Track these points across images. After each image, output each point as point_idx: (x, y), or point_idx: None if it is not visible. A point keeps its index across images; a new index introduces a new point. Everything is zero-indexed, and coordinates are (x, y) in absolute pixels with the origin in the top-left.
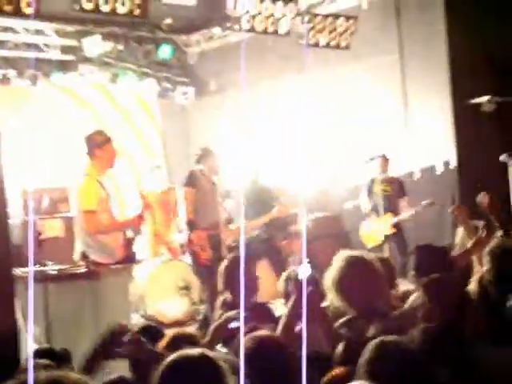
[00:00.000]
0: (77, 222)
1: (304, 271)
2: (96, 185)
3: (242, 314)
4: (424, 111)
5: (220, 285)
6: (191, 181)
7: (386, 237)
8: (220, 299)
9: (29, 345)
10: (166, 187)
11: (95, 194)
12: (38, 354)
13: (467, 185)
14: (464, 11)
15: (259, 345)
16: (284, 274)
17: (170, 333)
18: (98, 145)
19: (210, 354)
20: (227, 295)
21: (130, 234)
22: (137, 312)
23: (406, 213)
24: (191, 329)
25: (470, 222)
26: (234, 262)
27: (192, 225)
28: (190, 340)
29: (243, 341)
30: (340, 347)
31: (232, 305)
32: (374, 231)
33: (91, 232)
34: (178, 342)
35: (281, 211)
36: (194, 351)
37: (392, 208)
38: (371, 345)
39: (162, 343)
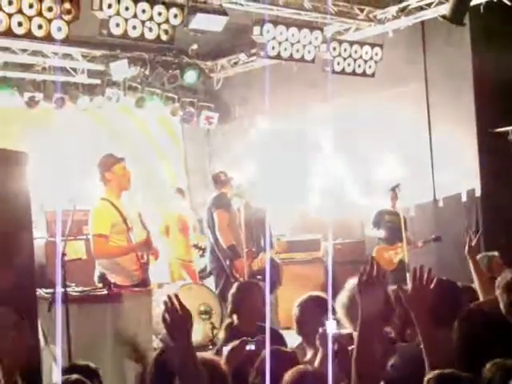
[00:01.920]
0: (91, 245)
1: (331, 327)
2: (110, 208)
3: (268, 337)
4: (449, 139)
5: (228, 309)
6: (225, 203)
7: (400, 263)
8: (226, 322)
9: (57, 364)
10: (186, 211)
11: (107, 218)
12: (74, 370)
13: (490, 214)
14: (490, 41)
15: (301, 378)
16: (297, 301)
17: None
18: (108, 168)
19: None
20: (234, 319)
21: (145, 257)
22: (157, 336)
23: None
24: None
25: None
26: (242, 288)
27: (235, 251)
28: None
29: (268, 361)
30: None
31: (237, 328)
32: (387, 258)
33: (97, 256)
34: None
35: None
36: None
37: (399, 238)
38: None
39: None
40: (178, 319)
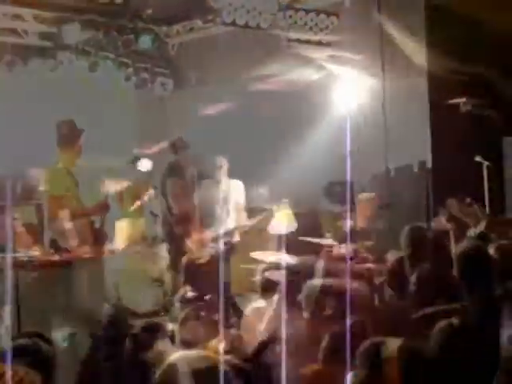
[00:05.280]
0: (44, 207)
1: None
2: (64, 172)
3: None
4: (401, 110)
5: (181, 279)
6: (179, 171)
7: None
8: (180, 293)
9: (6, 330)
10: (141, 178)
11: (63, 180)
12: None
13: (441, 184)
14: (444, 11)
15: None
16: (261, 267)
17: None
18: (66, 136)
19: None
20: (186, 290)
21: (97, 223)
22: (109, 301)
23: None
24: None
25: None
26: (192, 260)
27: (187, 219)
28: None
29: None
30: None
31: (190, 299)
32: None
33: (53, 216)
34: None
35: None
36: None
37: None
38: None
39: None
40: None
